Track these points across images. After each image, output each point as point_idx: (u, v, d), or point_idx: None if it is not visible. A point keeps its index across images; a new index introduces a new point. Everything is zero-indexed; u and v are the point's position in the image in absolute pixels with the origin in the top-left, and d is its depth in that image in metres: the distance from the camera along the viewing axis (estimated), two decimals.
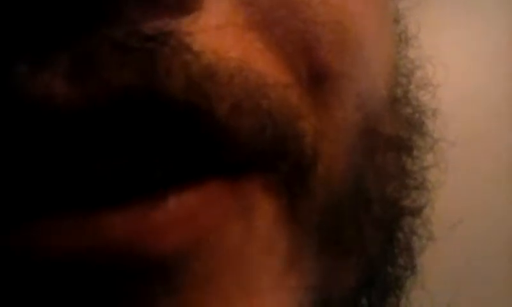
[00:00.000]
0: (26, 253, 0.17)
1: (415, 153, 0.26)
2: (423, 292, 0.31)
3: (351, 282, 0.23)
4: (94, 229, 0.17)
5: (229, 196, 0.19)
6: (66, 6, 0.16)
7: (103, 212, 0.17)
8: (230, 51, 0.18)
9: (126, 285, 0.17)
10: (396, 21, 0.29)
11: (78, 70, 0.16)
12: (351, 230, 0.22)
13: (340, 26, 0.21)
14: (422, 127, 0.27)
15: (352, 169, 0.22)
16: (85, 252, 0.17)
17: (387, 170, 0.24)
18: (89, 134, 0.17)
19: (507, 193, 1.35)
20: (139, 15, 0.17)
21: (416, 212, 0.27)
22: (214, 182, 0.18)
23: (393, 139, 0.24)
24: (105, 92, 0.16)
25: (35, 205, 0.17)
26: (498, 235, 1.36)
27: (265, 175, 0.19)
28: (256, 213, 0.19)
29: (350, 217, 0.22)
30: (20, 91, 0.16)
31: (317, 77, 0.20)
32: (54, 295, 0.17)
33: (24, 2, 0.16)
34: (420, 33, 0.32)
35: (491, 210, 1.28)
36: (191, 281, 0.18)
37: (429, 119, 0.29)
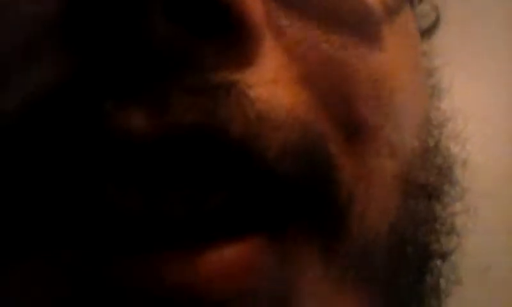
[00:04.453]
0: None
1: (445, 200, 0.28)
2: None
3: None
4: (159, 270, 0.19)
5: (269, 247, 0.20)
6: (148, 61, 0.19)
7: (165, 255, 0.19)
8: (281, 102, 0.21)
9: None
10: (430, 75, 0.31)
11: (155, 108, 0.19)
12: (387, 270, 0.24)
13: (376, 83, 0.23)
14: (451, 176, 0.29)
15: (388, 213, 0.23)
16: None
17: (419, 215, 0.25)
18: (158, 163, 0.19)
19: None
20: (209, 65, 0.20)
21: (445, 256, 0.28)
22: (256, 238, 0.20)
23: (424, 186, 0.26)
24: (175, 127, 0.19)
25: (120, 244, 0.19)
26: None
27: (303, 223, 0.21)
28: (295, 261, 0.21)
29: (386, 257, 0.24)
30: (106, 124, 0.19)
31: (354, 128, 0.23)
32: None
33: (115, 57, 0.19)
34: (453, 86, 0.34)
35: None
36: None
37: (459, 169, 0.30)
